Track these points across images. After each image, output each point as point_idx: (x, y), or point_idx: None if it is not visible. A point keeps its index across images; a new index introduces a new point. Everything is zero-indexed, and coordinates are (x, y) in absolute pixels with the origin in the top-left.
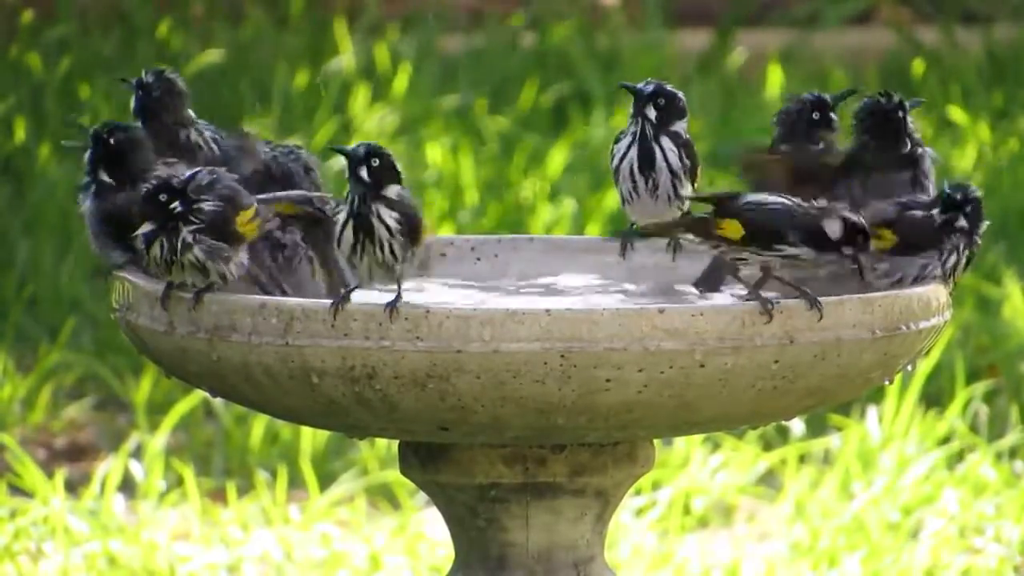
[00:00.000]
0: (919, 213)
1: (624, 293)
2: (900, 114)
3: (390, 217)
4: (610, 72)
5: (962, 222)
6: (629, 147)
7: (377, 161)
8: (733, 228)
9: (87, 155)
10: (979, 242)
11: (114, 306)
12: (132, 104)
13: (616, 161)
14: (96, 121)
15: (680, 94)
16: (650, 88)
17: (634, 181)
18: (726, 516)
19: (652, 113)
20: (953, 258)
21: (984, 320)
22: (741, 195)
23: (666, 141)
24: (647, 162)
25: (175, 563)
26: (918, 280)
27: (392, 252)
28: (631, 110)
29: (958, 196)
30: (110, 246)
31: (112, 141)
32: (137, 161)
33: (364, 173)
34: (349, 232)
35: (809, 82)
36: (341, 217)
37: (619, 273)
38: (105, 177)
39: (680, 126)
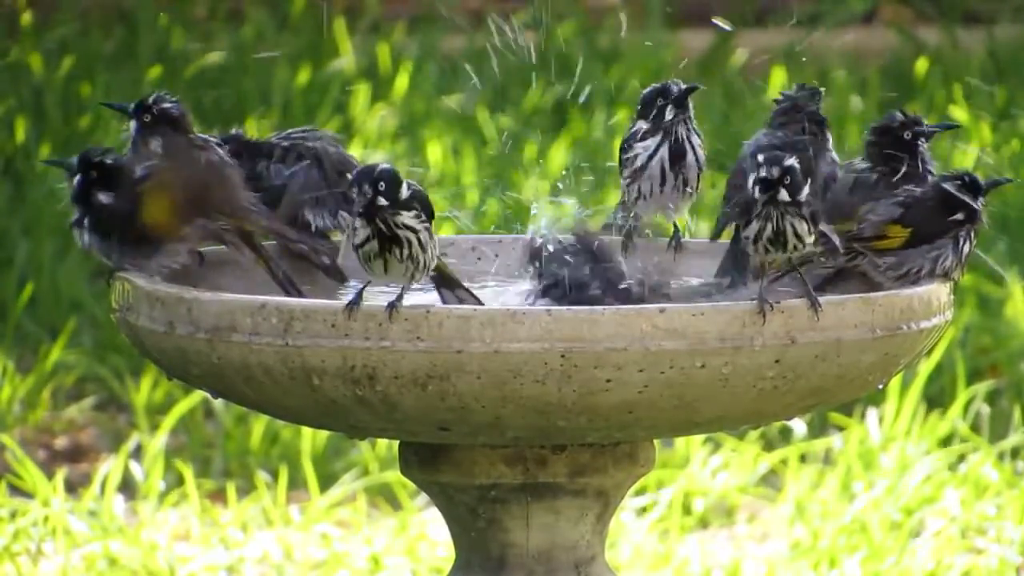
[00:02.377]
0: (928, 205)
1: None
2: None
3: (409, 218)
4: (610, 72)
5: (974, 203)
6: (659, 145)
7: (383, 184)
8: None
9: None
10: (984, 222)
11: (114, 306)
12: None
13: (643, 159)
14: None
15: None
16: (685, 87)
17: (663, 177)
18: (727, 516)
19: (686, 111)
20: (968, 246)
21: (985, 320)
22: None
23: (695, 138)
24: (679, 157)
25: (175, 564)
26: (931, 274)
27: (420, 244)
28: (646, 109)
29: (967, 182)
30: None
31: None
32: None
33: (382, 200)
34: (374, 245)
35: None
36: (360, 234)
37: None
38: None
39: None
